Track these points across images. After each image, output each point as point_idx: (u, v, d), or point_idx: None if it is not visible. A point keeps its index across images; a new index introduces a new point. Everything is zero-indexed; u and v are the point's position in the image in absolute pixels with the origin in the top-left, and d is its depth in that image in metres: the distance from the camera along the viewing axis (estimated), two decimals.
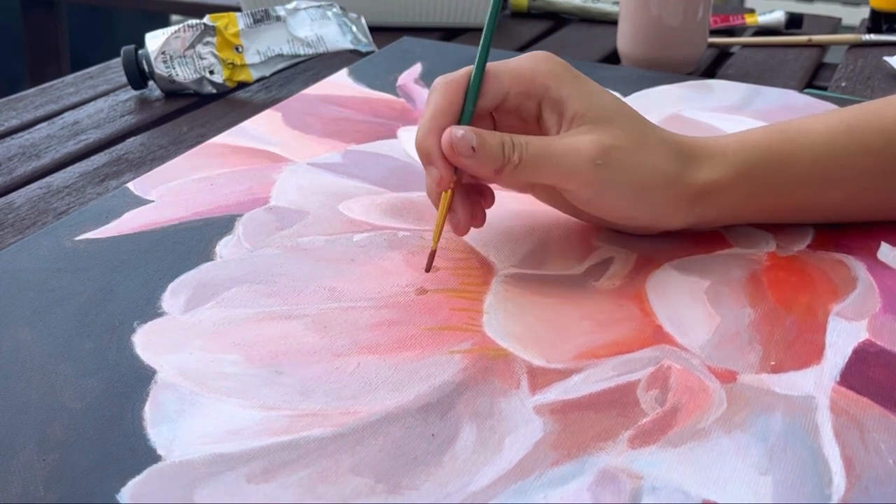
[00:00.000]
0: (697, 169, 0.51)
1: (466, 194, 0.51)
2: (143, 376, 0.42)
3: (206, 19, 0.79)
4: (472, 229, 0.52)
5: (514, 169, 0.48)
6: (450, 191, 0.50)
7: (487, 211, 0.53)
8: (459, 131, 0.48)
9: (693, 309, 0.48)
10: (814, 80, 0.93)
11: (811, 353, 0.45)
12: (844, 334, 0.47)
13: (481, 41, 0.51)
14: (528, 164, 0.48)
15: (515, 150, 0.48)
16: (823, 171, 0.53)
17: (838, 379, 0.43)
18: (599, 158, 0.48)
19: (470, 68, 0.50)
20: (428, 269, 0.50)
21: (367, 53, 0.85)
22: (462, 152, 0.48)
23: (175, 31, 0.78)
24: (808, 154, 0.53)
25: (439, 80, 0.51)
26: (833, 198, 0.54)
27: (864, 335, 0.47)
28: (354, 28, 0.85)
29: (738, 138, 0.54)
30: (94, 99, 0.80)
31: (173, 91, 0.79)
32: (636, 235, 0.54)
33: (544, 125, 0.51)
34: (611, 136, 0.49)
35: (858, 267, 0.52)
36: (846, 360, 0.45)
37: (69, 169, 0.66)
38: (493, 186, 0.54)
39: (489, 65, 0.50)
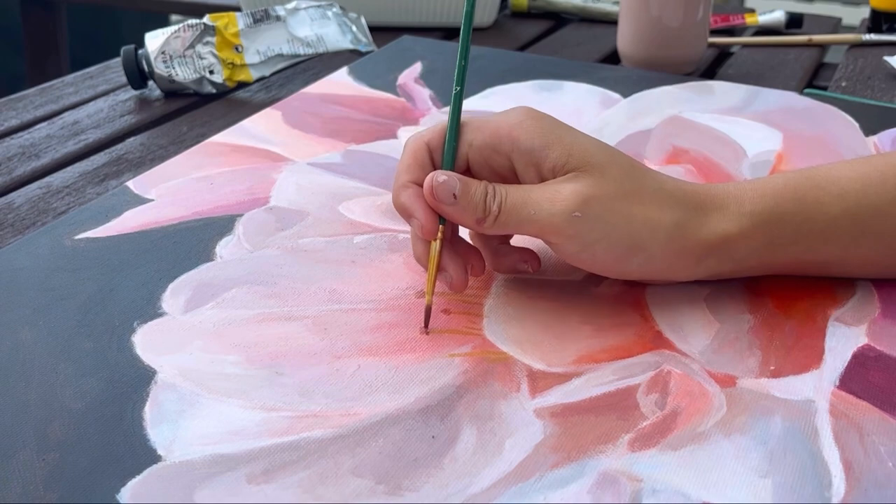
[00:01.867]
0: (706, 220, 0.47)
1: (456, 249, 0.49)
2: (143, 376, 0.42)
3: (206, 19, 0.79)
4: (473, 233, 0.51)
5: (494, 219, 0.46)
6: (437, 243, 0.47)
7: None
8: (442, 176, 0.46)
9: (692, 315, 0.48)
10: (814, 80, 0.93)
11: (811, 357, 0.45)
12: (844, 339, 0.47)
13: (455, 79, 0.49)
14: (506, 214, 0.46)
15: (496, 199, 0.46)
16: (854, 222, 0.48)
17: (838, 383, 0.43)
18: (577, 210, 0.45)
19: (438, 123, 0.49)
20: (426, 326, 0.46)
21: (367, 53, 0.85)
22: (444, 199, 0.46)
23: (175, 31, 0.78)
24: (837, 202, 0.48)
25: (408, 139, 0.49)
26: (864, 252, 0.49)
27: (863, 340, 0.47)
28: (354, 28, 0.85)
29: (756, 185, 0.49)
30: (94, 99, 0.80)
31: (173, 91, 0.79)
32: None
33: (522, 179, 0.47)
34: (593, 186, 0.45)
35: None
36: (846, 364, 0.45)
37: (69, 169, 0.66)
38: None
39: (462, 118, 0.48)
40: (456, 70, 0.49)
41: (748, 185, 0.49)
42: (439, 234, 0.47)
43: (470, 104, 0.74)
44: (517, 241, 0.51)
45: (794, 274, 0.51)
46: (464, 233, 0.51)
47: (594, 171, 0.46)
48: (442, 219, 0.47)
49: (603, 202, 0.45)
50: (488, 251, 0.50)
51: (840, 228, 0.48)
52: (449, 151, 0.48)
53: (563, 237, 0.46)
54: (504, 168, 0.48)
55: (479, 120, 0.48)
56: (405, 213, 0.47)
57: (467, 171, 0.48)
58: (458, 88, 0.49)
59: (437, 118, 0.71)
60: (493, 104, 0.74)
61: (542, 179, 0.47)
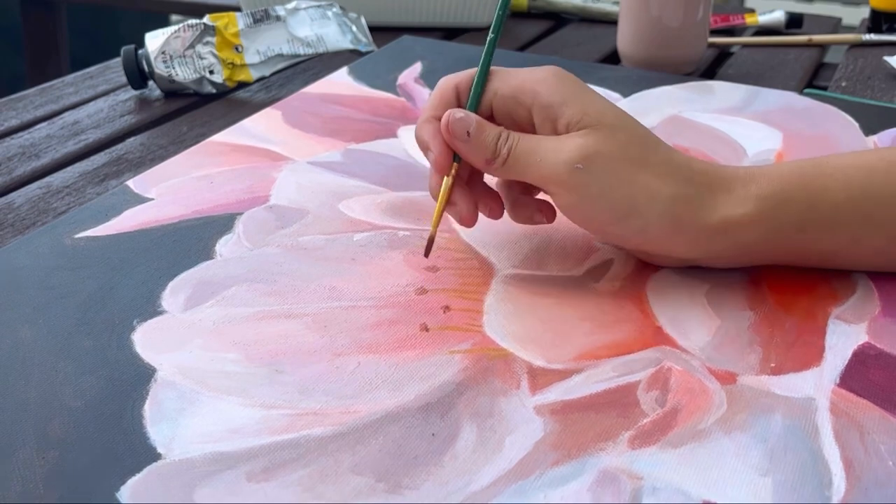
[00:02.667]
0: (711, 201, 0.48)
1: (475, 190, 0.51)
2: (142, 374, 0.42)
3: (206, 19, 0.79)
4: (473, 230, 0.52)
5: (502, 163, 0.48)
6: (450, 178, 0.50)
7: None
8: (459, 114, 0.49)
9: (693, 311, 0.48)
10: (814, 80, 0.93)
11: (811, 355, 0.45)
12: (844, 337, 0.47)
13: (492, 27, 0.52)
14: (514, 159, 0.48)
15: (507, 143, 0.48)
16: (860, 210, 0.48)
17: (838, 381, 0.43)
18: (579, 162, 0.46)
19: (471, 69, 0.51)
20: (427, 255, 0.50)
21: (367, 53, 0.85)
22: (458, 135, 0.48)
23: (175, 31, 0.78)
24: (843, 190, 0.48)
25: (441, 79, 0.52)
26: (872, 242, 0.49)
27: (863, 338, 0.47)
28: (354, 28, 0.85)
29: (764, 170, 0.49)
30: (94, 99, 0.80)
31: (173, 91, 0.79)
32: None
33: (540, 133, 0.49)
34: (599, 143, 0.47)
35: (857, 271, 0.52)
36: (846, 362, 0.45)
37: (69, 169, 0.66)
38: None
39: (491, 68, 0.51)
40: (494, 18, 0.52)
41: (756, 169, 0.50)
42: (452, 171, 0.49)
43: None
44: None
45: (800, 265, 0.51)
46: (490, 181, 0.53)
47: (604, 130, 0.47)
48: (457, 157, 0.49)
49: (606, 160, 0.47)
50: (509, 201, 0.52)
51: (845, 216, 0.48)
52: (475, 94, 0.50)
53: (564, 188, 0.47)
54: (524, 120, 0.50)
55: (507, 71, 0.51)
56: (423, 146, 0.50)
57: (490, 118, 0.50)
58: (493, 36, 0.51)
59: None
60: None
61: (556, 132, 0.48)
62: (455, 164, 0.50)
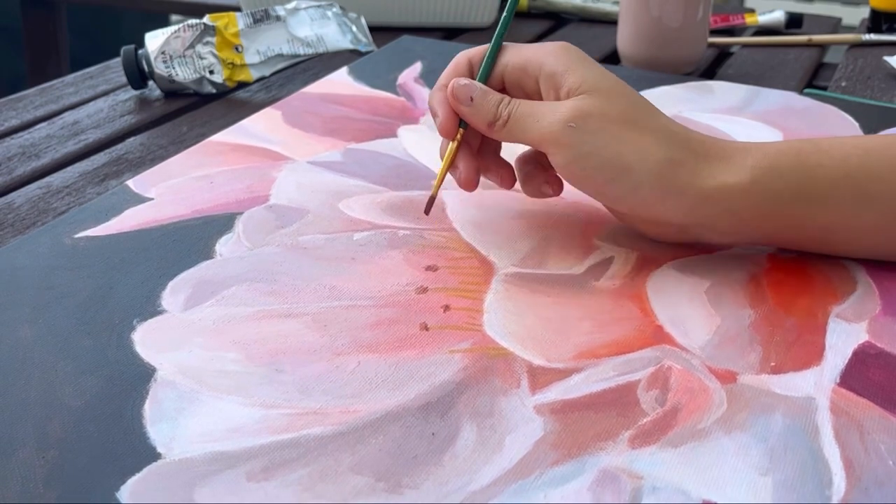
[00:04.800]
0: (705, 167, 0.49)
1: (487, 160, 0.55)
2: (142, 374, 0.42)
3: (206, 19, 0.79)
4: (473, 229, 0.53)
5: (503, 125, 0.51)
6: (455, 142, 0.53)
7: (488, 211, 0.55)
8: (463, 81, 0.52)
9: (693, 309, 0.48)
10: (814, 79, 0.93)
11: (811, 354, 0.45)
12: (844, 336, 0.47)
13: (507, 7, 0.55)
14: (514, 121, 0.51)
15: (508, 107, 0.51)
16: (856, 184, 0.49)
17: (838, 380, 0.43)
18: (573, 121, 0.49)
19: (483, 46, 0.54)
20: (426, 212, 0.54)
21: (367, 53, 0.85)
22: (461, 100, 0.52)
23: (175, 31, 0.78)
24: (838, 165, 0.49)
25: (458, 53, 0.55)
26: (866, 219, 0.50)
27: (863, 337, 0.47)
28: (354, 28, 0.85)
29: (762, 145, 0.51)
30: (94, 99, 0.80)
31: (173, 91, 0.79)
32: (637, 235, 0.54)
33: (545, 100, 0.52)
34: (593, 105, 0.49)
35: (858, 269, 0.52)
36: (846, 361, 0.45)
37: (69, 169, 0.66)
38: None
39: (503, 44, 0.54)
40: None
41: (755, 145, 0.51)
42: (458, 136, 0.53)
43: None
44: None
45: (796, 246, 0.52)
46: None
47: (601, 94, 0.50)
48: (464, 123, 0.53)
49: (599, 120, 0.49)
50: (522, 174, 0.55)
51: (840, 190, 0.49)
52: (485, 66, 0.53)
53: (558, 146, 0.49)
54: (533, 90, 0.53)
55: (518, 45, 0.54)
56: (433, 112, 0.54)
57: (503, 90, 0.53)
58: (507, 15, 0.55)
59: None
60: None
61: (559, 99, 0.51)
62: (461, 129, 0.53)
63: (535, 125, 0.50)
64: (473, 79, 0.53)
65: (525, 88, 0.53)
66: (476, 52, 0.54)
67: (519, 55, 0.53)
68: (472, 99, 0.52)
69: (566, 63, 0.51)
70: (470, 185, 0.53)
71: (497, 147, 0.56)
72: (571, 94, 0.50)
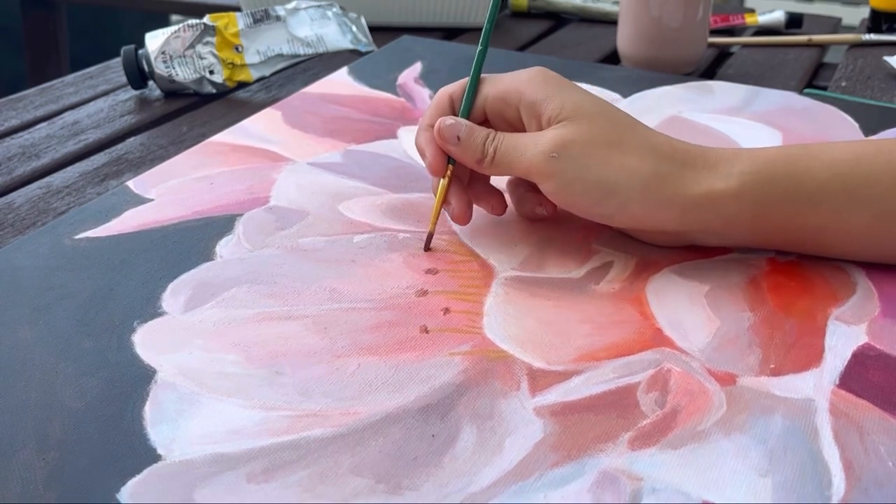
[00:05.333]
0: (692, 175, 0.50)
1: (476, 190, 0.55)
2: (143, 376, 0.42)
3: (206, 19, 0.79)
4: (473, 233, 0.53)
5: (490, 161, 0.52)
6: (445, 179, 0.54)
7: (487, 215, 0.56)
8: (449, 120, 0.53)
9: (693, 312, 0.48)
10: (814, 80, 0.93)
11: (811, 356, 0.45)
12: (844, 338, 0.47)
13: (480, 41, 0.56)
14: (500, 156, 0.52)
15: (493, 143, 0.52)
16: (845, 187, 0.50)
17: (838, 382, 0.43)
18: (554, 151, 0.50)
19: (463, 80, 0.55)
20: (426, 249, 0.53)
21: (367, 53, 0.85)
22: (448, 140, 0.53)
23: (175, 31, 0.78)
24: (828, 168, 0.50)
25: (438, 90, 0.56)
26: (857, 220, 0.50)
27: (863, 339, 0.47)
28: (354, 28, 0.85)
29: (751, 150, 0.52)
30: (94, 99, 0.80)
31: (173, 91, 0.79)
32: (636, 240, 0.54)
33: (528, 129, 0.53)
34: (573, 132, 0.50)
35: (857, 272, 0.52)
36: (845, 363, 0.45)
37: (69, 169, 0.66)
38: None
39: (481, 76, 0.55)
40: (483, 31, 0.56)
41: (744, 150, 0.52)
42: (448, 172, 0.54)
43: None
44: None
45: (790, 247, 0.53)
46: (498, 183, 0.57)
47: (581, 120, 0.51)
48: (452, 160, 0.54)
49: (580, 146, 0.50)
50: (515, 197, 0.56)
51: (830, 192, 0.50)
52: (466, 101, 0.54)
53: (543, 176, 0.51)
54: (515, 119, 0.54)
55: (496, 76, 0.55)
56: (421, 153, 0.54)
57: (486, 122, 0.55)
58: (482, 48, 0.56)
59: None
60: None
61: (540, 128, 0.52)
62: (450, 166, 0.54)
63: (520, 158, 0.51)
64: (455, 114, 0.54)
65: (507, 118, 0.54)
66: (456, 87, 0.55)
67: (497, 87, 0.54)
68: (458, 138, 0.52)
69: (544, 91, 0.52)
70: (463, 219, 0.54)
71: (486, 177, 0.57)
72: (552, 121, 0.51)
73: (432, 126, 0.54)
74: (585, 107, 0.51)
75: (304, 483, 0.37)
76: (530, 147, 0.51)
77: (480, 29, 1.04)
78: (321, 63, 0.88)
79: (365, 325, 0.46)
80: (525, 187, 0.56)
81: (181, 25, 0.78)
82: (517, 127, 0.54)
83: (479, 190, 0.56)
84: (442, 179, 0.54)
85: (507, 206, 0.56)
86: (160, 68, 0.77)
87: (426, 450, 0.38)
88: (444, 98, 0.55)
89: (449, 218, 0.55)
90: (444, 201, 0.54)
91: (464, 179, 0.55)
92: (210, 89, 0.79)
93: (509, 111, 0.53)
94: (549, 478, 0.37)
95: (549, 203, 0.54)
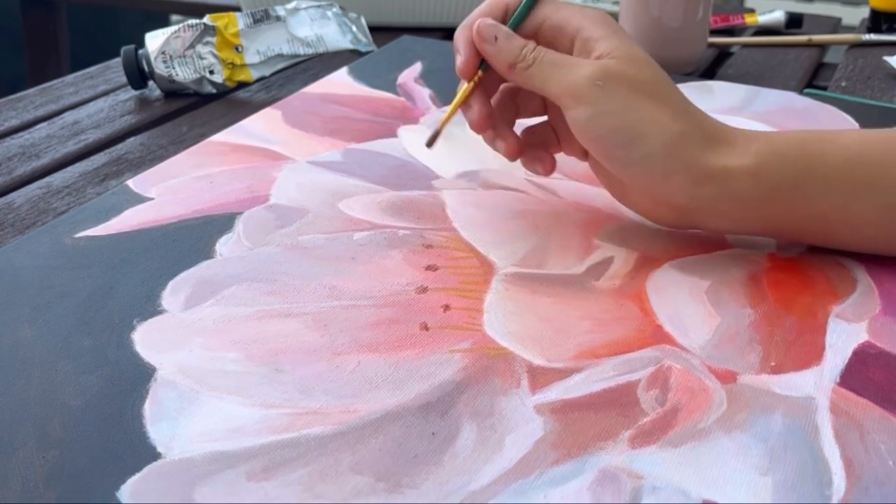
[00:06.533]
0: (714, 149, 0.50)
1: (501, 127, 0.55)
2: (142, 374, 0.42)
3: (206, 19, 0.79)
4: (473, 230, 0.53)
5: (525, 68, 0.51)
6: (471, 83, 0.53)
7: (488, 211, 0.55)
8: (490, 20, 0.52)
9: (693, 309, 0.48)
10: (814, 80, 0.93)
11: (811, 354, 0.45)
12: (844, 336, 0.47)
13: None
14: (538, 66, 0.51)
15: (534, 52, 0.51)
16: (857, 173, 0.50)
17: (838, 380, 0.43)
18: (599, 79, 0.49)
19: None
20: (429, 146, 0.53)
21: (367, 53, 0.85)
22: (486, 38, 0.52)
23: (175, 31, 0.78)
24: (840, 154, 0.50)
25: None
26: (867, 208, 0.50)
27: (863, 337, 0.47)
28: (354, 28, 0.85)
29: (768, 133, 0.52)
30: (94, 99, 0.80)
31: (173, 91, 0.79)
32: (637, 235, 0.54)
33: None
34: (623, 70, 0.50)
35: (858, 269, 0.52)
36: (846, 361, 0.45)
37: (69, 169, 0.66)
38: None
39: None
40: None
41: (761, 133, 0.52)
42: (476, 77, 0.53)
43: None
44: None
45: (793, 237, 0.53)
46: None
47: (631, 62, 0.51)
48: (484, 66, 0.53)
49: (625, 84, 0.50)
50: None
51: (840, 178, 0.50)
52: (520, 13, 0.53)
53: (580, 100, 0.50)
54: (566, 50, 0.52)
55: (558, 1, 0.54)
56: (455, 48, 0.54)
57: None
58: None
59: (437, 117, 0.71)
60: None
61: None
62: (480, 71, 0.53)
63: (559, 75, 0.50)
64: (505, 23, 0.53)
65: (557, 46, 0.53)
66: None
67: (560, 13, 0.53)
68: (496, 38, 0.52)
69: (604, 31, 0.51)
70: (482, 126, 0.53)
71: (512, 118, 0.57)
72: (602, 57, 0.51)
73: (473, 26, 0.53)
74: (637, 54, 0.51)
75: (303, 481, 0.37)
76: (574, 68, 0.50)
77: None
78: (321, 63, 0.88)
79: (365, 322, 0.46)
80: (538, 140, 0.56)
81: (181, 25, 0.78)
82: None
83: (500, 126, 0.55)
84: (467, 83, 0.53)
85: (521, 150, 0.55)
86: (160, 68, 0.77)
87: (426, 448, 0.38)
88: (499, 4, 0.54)
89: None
90: (465, 104, 0.53)
91: (490, 92, 0.55)
92: (210, 89, 0.79)
93: (563, 40, 0.52)
94: (550, 476, 0.37)
95: (550, 162, 0.55)
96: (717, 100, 0.76)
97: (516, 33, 0.53)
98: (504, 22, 0.53)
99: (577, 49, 0.52)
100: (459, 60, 0.53)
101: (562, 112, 0.51)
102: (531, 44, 0.52)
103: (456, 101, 0.53)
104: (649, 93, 0.50)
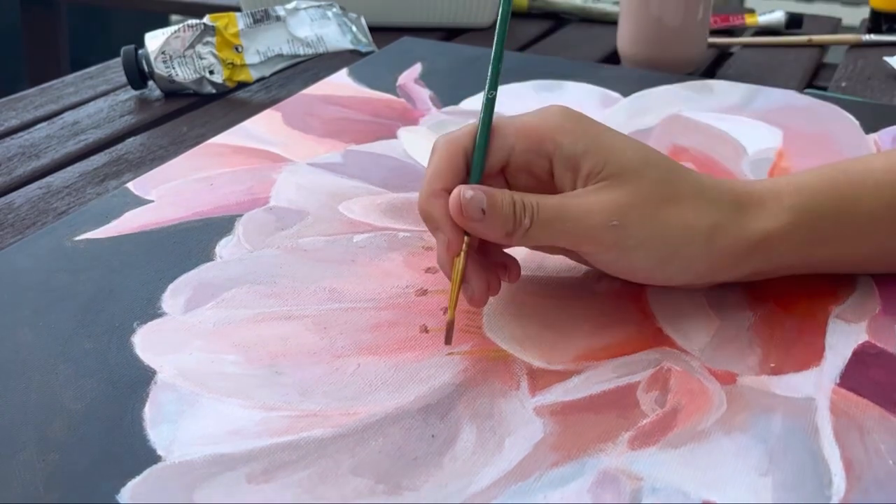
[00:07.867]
0: (746, 219, 0.46)
1: (484, 262, 0.47)
2: (142, 377, 0.42)
3: (206, 19, 0.79)
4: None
5: (525, 233, 0.44)
6: (462, 258, 0.45)
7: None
8: (469, 192, 0.44)
9: (693, 312, 0.48)
10: (814, 80, 0.93)
11: (811, 354, 0.45)
12: (844, 336, 0.47)
13: (487, 84, 0.47)
14: (539, 227, 0.44)
15: (527, 212, 0.44)
16: (891, 217, 0.48)
17: (838, 380, 0.43)
18: (615, 219, 0.44)
19: (472, 126, 0.47)
20: (448, 342, 0.44)
21: (367, 53, 0.85)
22: (472, 216, 0.44)
23: (175, 31, 0.78)
24: (875, 197, 0.48)
25: (439, 140, 0.47)
26: None
27: (863, 337, 0.47)
28: (354, 28, 0.85)
29: (792, 181, 0.49)
30: (94, 99, 0.80)
31: (173, 91, 0.79)
32: None
33: (558, 183, 0.47)
34: (629, 194, 0.45)
35: None
36: (846, 361, 0.45)
37: (69, 169, 0.66)
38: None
39: (494, 120, 0.47)
40: (489, 73, 0.47)
41: (783, 181, 0.49)
42: (464, 248, 0.45)
43: (469, 104, 0.74)
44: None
45: (834, 272, 0.51)
46: None
47: (631, 177, 0.45)
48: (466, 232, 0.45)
49: (640, 209, 0.45)
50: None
51: (879, 222, 0.48)
52: (477, 163, 0.46)
53: (602, 247, 0.45)
54: (543, 171, 0.47)
55: (517, 123, 0.47)
56: (431, 225, 0.46)
57: (500, 175, 0.47)
58: (493, 94, 0.47)
59: (436, 118, 0.71)
60: None
61: (576, 183, 0.46)
62: (466, 238, 0.45)
63: (566, 228, 0.45)
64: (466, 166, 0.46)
65: (534, 169, 0.47)
66: (466, 138, 0.46)
67: (526, 137, 0.46)
68: (483, 211, 0.44)
69: (584, 142, 0.46)
70: (483, 302, 0.46)
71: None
72: (592, 177, 0.45)
73: (445, 191, 0.45)
74: (630, 160, 0.46)
75: (303, 483, 0.37)
76: (582, 216, 0.44)
77: (480, 29, 1.05)
78: (321, 63, 0.88)
79: (365, 324, 0.46)
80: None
81: (181, 25, 0.78)
82: (540, 176, 0.47)
83: (491, 259, 0.48)
84: (457, 258, 0.45)
85: (519, 272, 0.49)
86: (160, 68, 0.77)
87: (426, 450, 0.38)
88: (456, 153, 0.46)
89: (466, 300, 0.46)
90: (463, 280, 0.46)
91: (474, 246, 0.46)
92: (210, 89, 0.79)
93: (540, 162, 0.46)
94: (549, 478, 0.37)
95: (515, 271, 0.48)
96: (717, 98, 0.76)
97: (486, 175, 0.46)
98: (467, 168, 0.46)
99: (558, 169, 0.46)
100: (444, 240, 0.45)
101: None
102: (518, 201, 0.44)
103: (454, 284, 0.45)
104: (664, 197, 0.45)
